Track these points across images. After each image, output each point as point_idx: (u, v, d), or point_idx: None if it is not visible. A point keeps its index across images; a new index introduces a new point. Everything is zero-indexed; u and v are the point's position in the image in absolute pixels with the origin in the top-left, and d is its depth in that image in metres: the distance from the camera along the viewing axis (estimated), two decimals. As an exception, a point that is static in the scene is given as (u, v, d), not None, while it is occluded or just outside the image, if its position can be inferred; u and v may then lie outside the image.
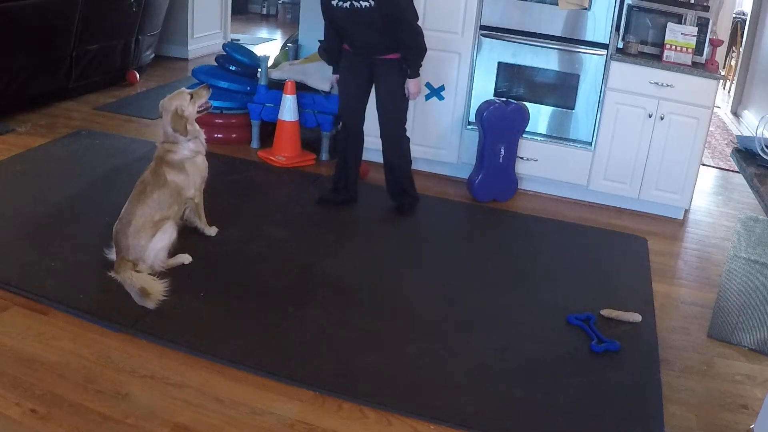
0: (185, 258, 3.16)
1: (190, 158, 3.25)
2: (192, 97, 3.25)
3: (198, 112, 3.30)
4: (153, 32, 6.25)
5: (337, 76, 3.86)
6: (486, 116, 4.04)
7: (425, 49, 3.61)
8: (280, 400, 2.35)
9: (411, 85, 3.66)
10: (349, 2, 3.40)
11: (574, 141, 4.27)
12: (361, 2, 3.37)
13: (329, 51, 3.83)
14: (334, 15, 3.53)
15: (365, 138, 4.54)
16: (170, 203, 3.13)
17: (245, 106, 4.70)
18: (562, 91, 4.21)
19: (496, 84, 4.29)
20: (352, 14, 3.43)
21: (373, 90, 3.77)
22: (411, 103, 4.37)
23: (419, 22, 3.56)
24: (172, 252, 3.11)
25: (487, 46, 4.23)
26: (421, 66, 3.64)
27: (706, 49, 4.04)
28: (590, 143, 4.23)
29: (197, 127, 3.30)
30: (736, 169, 3.29)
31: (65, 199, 3.70)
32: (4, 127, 4.63)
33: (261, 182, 4.25)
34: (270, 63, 4.91)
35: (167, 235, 3.06)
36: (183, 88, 3.34)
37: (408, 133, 4.41)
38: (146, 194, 3.07)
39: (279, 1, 10.53)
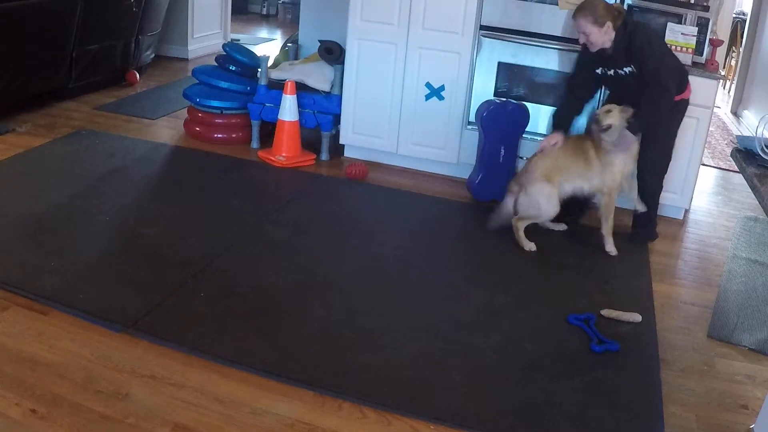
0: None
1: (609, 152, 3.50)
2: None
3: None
4: (153, 32, 6.25)
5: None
6: (486, 116, 4.04)
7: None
8: (280, 400, 2.35)
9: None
10: (613, 70, 3.57)
11: (574, 141, 4.26)
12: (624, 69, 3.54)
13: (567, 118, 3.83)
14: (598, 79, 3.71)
15: (365, 137, 4.56)
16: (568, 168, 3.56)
17: (245, 106, 4.70)
18: (562, 91, 4.20)
19: (496, 84, 4.29)
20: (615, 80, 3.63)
21: None
22: (412, 104, 4.40)
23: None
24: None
25: (487, 46, 4.23)
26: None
27: (706, 49, 4.03)
28: (590, 143, 4.23)
29: (626, 138, 3.49)
30: (736, 169, 3.29)
31: (65, 199, 3.70)
32: (4, 127, 4.63)
33: (261, 182, 4.25)
34: (270, 63, 4.90)
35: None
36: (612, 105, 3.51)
37: (409, 134, 4.45)
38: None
39: (279, 1, 10.53)
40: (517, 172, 3.75)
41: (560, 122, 3.77)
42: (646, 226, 3.88)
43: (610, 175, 3.55)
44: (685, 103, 3.70)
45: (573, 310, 3.02)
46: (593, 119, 3.50)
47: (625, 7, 4.04)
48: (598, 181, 3.59)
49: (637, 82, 3.54)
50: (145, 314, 2.72)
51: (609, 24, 3.44)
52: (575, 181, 3.61)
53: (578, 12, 3.49)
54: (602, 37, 3.47)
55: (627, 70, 3.53)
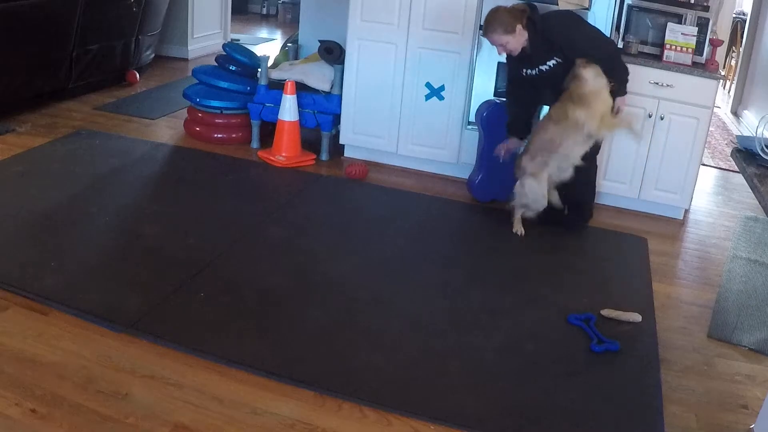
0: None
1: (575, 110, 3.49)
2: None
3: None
4: (153, 32, 6.25)
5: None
6: (486, 116, 4.04)
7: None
8: (280, 400, 2.35)
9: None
10: (536, 68, 3.63)
11: (574, 141, 4.26)
12: None
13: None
14: None
15: (365, 137, 4.56)
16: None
17: (245, 106, 4.70)
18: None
19: (496, 84, 4.29)
20: None
21: None
22: (412, 104, 4.40)
23: None
24: None
25: (487, 46, 4.21)
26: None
27: (706, 49, 4.04)
28: (590, 143, 4.23)
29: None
30: (736, 169, 3.29)
31: (65, 198, 3.70)
32: (4, 127, 4.63)
33: (261, 182, 4.25)
34: (270, 63, 4.90)
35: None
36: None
37: (409, 134, 4.45)
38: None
39: (279, 1, 10.52)
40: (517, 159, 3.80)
41: (512, 130, 3.84)
42: (579, 210, 3.89)
43: (590, 121, 3.49)
44: None
45: (573, 310, 3.02)
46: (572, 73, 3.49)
47: (625, 7, 4.06)
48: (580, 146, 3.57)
49: (567, 72, 3.54)
50: (145, 314, 2.72)
51: (518, 27, 3.47)
52: (561, 165, 3.60)
53: (487, 30, 3.53)
54: (519, 41, 3.50)
55: (551, 63, 3.55)
